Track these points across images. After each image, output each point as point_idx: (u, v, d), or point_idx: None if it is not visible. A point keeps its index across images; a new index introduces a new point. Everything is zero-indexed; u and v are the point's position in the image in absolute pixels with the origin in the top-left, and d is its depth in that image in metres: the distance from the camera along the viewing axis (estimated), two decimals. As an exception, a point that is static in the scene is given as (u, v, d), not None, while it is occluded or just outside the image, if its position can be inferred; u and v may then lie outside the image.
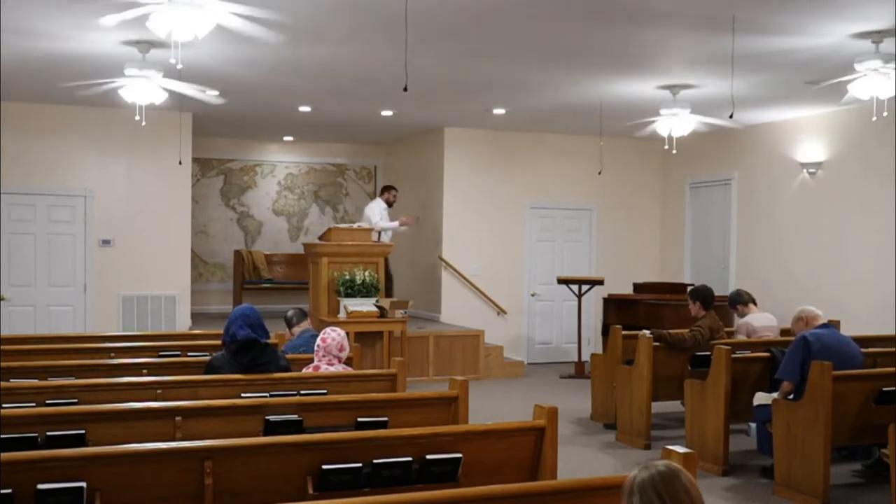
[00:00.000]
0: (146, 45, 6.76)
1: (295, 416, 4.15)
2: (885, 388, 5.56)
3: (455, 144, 11.55)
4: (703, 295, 7.37)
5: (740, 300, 7.71)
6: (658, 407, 7.41)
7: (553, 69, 7.90)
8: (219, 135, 12.59)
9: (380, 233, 10.54)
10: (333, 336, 5.20)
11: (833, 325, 6.50)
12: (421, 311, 11.66)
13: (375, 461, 3.43)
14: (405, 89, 6.16)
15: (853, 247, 9.33)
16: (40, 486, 2.97)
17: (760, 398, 6.20)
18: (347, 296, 9.01)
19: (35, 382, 5.00)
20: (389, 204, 10.99)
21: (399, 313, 9.13)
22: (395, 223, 10.76)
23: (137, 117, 7.67)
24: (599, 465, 6.51)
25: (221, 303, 12.85)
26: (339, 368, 5.20)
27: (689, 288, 7.97)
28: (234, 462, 3.30)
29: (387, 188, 11.20)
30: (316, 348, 5.23)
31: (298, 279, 12.31)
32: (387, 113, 10.42)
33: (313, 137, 13.00)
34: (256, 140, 13.15)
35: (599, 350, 9.72)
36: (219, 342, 6.29)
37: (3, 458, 2.99)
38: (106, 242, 10.25)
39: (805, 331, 5.96)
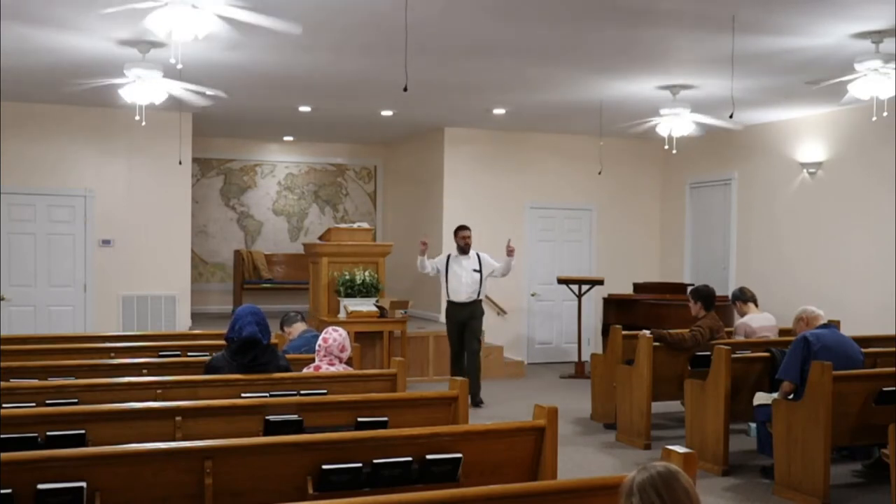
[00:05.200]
0: (146, 45, 6.76)
1: (295, 416, 4.15)
2: (885, 388, 5.56)
3: (455, 144, 11.55)
4: (704, 295, 7.36)
5: (742, 297, 7.71)
6: (658, 407, 7.41)
7: (553, 69, 7.90)
8: (219, 135, 12.59)
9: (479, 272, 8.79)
10: (335, 336, 5.20)
11: (833, 325, 6.50)
12: (421, 311, 11.65)
13: (375, 461, 3.43)
14: (405, 89, 6.15)
15: (853, 247, 9.33)
16: (40, 486, 2.96)
17: (760, 398, 6.20)
18: (347, 296, 9.01)
19: (35, 382, 4.99)
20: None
21: (399, 313, 9.13)
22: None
23: (137, 117, 7.67)
24: (599, 465, 6.51)
25: (221, 303, 12.84)
26: (339, 368, 5.21)
27: (691, 287, 7.96)
28: (234, 462, 3.29)
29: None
30: (317, 348, 5.23)
31: (298, 279, 12.30)
32: (387, 113, 10.41)
33: (313, 137, 13.01)
34: (256, 140, 13.15)
35: (599, 350, 9.71)
36: (218, 342, 6.32)
37: (3, 458, 2.99)
38: (106, 242, 10.25)
39: (806, 331, 5.96)
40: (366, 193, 13.81)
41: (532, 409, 3.87)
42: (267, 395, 4.76)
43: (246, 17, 5.46)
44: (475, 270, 8.79)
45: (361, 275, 9.08)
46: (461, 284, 8.77)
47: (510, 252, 8.73)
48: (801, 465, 5.51)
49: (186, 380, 5.00)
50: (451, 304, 8.86)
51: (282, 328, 6.68)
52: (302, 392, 4.85)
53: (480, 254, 8.89)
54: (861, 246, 9.23)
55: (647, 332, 7.17)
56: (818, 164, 9.80)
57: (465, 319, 8.77)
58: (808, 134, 9.95)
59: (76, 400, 4.56)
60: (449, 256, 8.91)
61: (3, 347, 5.93)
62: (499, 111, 10.17)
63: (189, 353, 6.45)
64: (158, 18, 5.23)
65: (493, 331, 11.12)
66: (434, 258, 9.05)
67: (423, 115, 10.62)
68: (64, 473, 3.03)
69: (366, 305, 9.02)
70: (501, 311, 11.62)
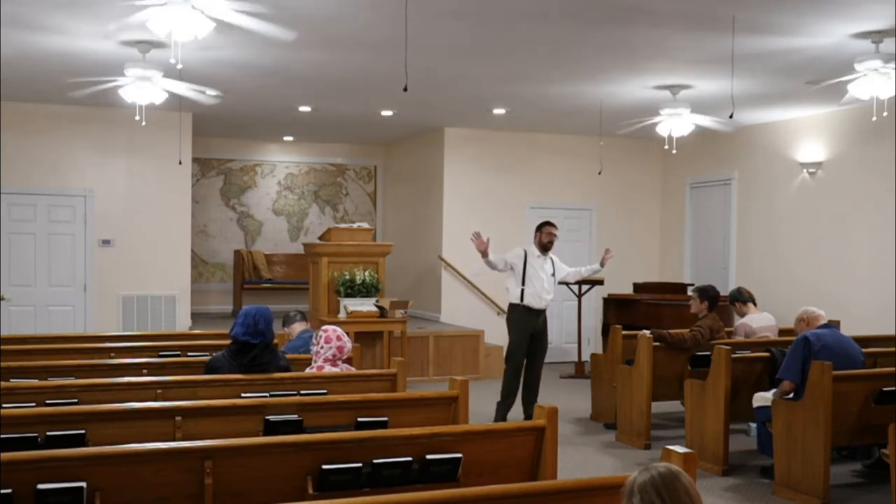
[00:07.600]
0: (146, 45, 6.76)
1: (295, 416, 4.15)
2: (885, 388, 5.56)
3: (455, 144, 11.55)
4: (711, 295, 7.38)
5: (740, 298, 7.71)
6: (658, 407, 7.41)
7: (553, 69, 7.90)
8: (219, 135, 12.59)
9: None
10: (346, 342, 5.20)
11: (834, 325, 6.50)
12: (421, 311, 11.65)
13: (375, 461, 3.43)
14: (405, 89, 6.15)
15: (853, 247, 9.33)
16: (40, 486, 2.96)
17: (760, 398, 6.20)
18: (347, 296, 9.01)
19: (35, 382, 4.99)
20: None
21: (399, 313, 9.13)
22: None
23: (137, 117, 7.67)
24: (599, 465, 6.52)
25: (221, 303, 12.85)
26: (342, 368, 5.21)
27: (697, 286, 7.96)
28: (234, 462, 3.29)
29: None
30: (331, 356, 5.16)
31: (298, 279, 12.30)
32: (387, 113, 10.41)
33: (313, 137, 13.00)
34: (256, 140, 13.15)
35: (599, 350, 9.71)
36: (218, 342, 6.40)
37: (3, 458, 2.99)
38: (106, 242, 10.25)
39: (806, 331, 5.96)
40: (366, 193, 13.81)
41: (532, 408, 3.87)
42: (267, 395, 4.76)
43: (238, 20, 5.46)
44: (551, 274, 7.90)
45: (361, 275, 9.07)
46: (544, 290, 7.76)
47: (605, 262, 8.11)
48: (801, 465, 5.51)
49: (186, 380, 5.00)
50: (524, 309, 7.72)
51: (283, 327, 6.68)
52: (302, 392, 4.85)
53: (552, 255, 8.02)
54: (861, 246, 9.23)
55: (647, 332, 7.18)
56: (818, 164, 9.80)
57: (540, 329, 7.80)
58: (808, 134, 9.95)
59: (76, 400, 4.56)
60: (526, 254, 7.83)
61: (3, 347, 5.94)
62: (499, 111, 10.17)
63: (189, 353, 6.45)
64: (158, 18, 5.23)
65: (492, 331, 11.11)
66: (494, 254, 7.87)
67: (423, 115, 10.62)
68: (64, 473, 3.03)
69: (366, 305, 9.01)
70: (501, 311, 11.60)
